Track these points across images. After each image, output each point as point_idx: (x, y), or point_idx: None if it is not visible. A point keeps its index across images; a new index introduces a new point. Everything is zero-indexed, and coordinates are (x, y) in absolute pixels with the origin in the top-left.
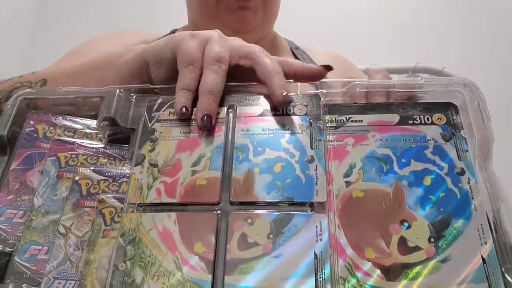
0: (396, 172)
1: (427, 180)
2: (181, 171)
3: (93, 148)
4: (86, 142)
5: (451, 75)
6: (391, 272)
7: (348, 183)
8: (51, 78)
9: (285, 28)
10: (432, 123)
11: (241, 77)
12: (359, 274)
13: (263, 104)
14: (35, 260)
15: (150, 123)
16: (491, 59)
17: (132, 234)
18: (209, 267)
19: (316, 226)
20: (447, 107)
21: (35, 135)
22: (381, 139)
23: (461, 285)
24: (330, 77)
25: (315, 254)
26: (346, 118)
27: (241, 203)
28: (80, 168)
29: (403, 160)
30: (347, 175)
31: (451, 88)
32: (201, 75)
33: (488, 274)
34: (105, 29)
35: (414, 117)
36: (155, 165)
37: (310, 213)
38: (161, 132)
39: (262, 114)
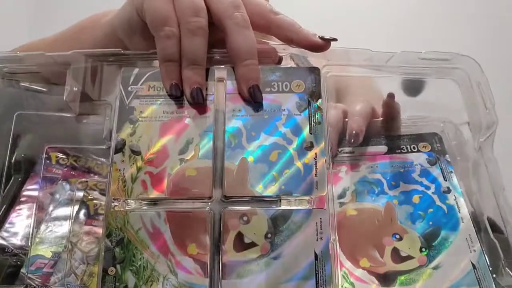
0: (386, 193)
1: (416, 199)
2: (168, 160)
3: (103, 177)
4: (97, 176)
5: None
6: (386, 279)
7: (341, 204)
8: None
9: None
10: (418, 151)
11: None
12: (354, 281)
13: None
14: (41, 273)
15: (127, 100)
16: (493, 58)
17: (119, 234)
18: (205, 270)
19: (316, 223)
20: (431, 137)
21: (48, 161)
22: (371, 166)
23: None
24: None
25: (316, 255)
26: (338, 150)
27: (235, 198)
28: (89, 191)
29: (393, 183)
30: (340, 196)
31: (452, 65)
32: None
33: (479, 279)
34: None
35: (402, 147)
36: (138, 153)
37: (310, 208)
38: (141, 111)
39: None
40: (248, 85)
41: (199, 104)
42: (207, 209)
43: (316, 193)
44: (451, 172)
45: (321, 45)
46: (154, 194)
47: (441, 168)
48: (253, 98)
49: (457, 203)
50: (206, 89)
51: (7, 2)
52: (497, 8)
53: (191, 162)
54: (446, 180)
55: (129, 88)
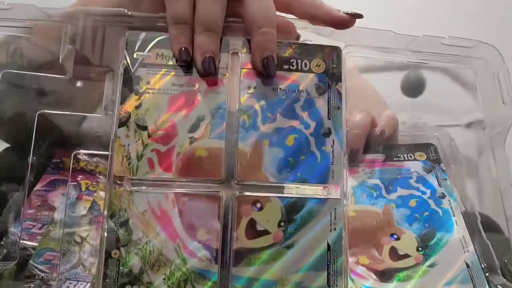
0: (384, 197)
1: (413, 203)
2: (177, 138)
3: None
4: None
5: None
6: (385, 275)
7: None
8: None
9: None
10: (415, 159)
11: None
12: (354, 277)
13: None
14: (50, 264)
15: (132, 68)
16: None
17: (123, 215)
18: (214, 257)
19: (331, 213)
20: (427, 147)
21: (61, 165)
22: (370, 172)
23: (449, 285)
24: None
25: (328, 245)
26: None
27: (249, 183)
28: (100, 191)
29: (390, 188)
30: None
31: (472, 53)
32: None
33: (472, 276)
34: None
35: (399, 155)
36: (144, 128)
37: (325, 198)
38: (148, 82)
39: None
40: (262, 55)
41: (211, 76)
42: (218, 192)
43: (332, 183)
44: (446, 179)
45: (347, 20)
46: (161, 174)
47: (436, 176)
48: (266, 70)
49: (451, 208)
50: (219, 61)
51: (8, 2)
52: (497, 8)
53: (201, 141)
54: (441, 187)
55: (135, 55)
